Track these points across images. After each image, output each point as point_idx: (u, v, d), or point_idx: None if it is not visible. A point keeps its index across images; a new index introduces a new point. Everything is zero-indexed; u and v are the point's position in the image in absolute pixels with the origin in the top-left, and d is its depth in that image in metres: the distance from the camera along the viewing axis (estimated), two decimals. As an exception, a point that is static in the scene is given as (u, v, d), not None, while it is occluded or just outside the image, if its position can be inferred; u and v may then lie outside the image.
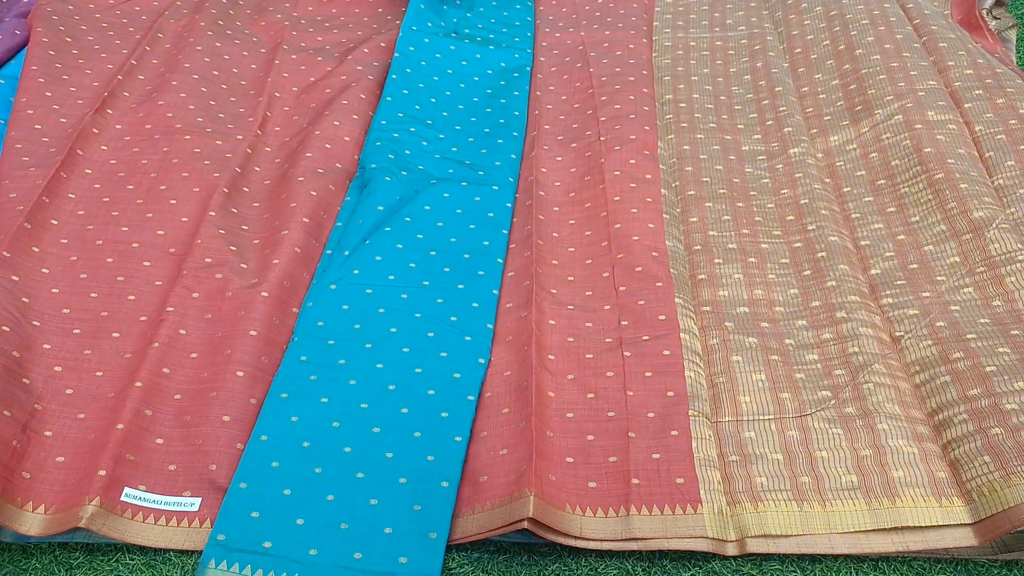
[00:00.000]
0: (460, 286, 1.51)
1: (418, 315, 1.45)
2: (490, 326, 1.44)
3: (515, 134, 1.85)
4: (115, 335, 1.39)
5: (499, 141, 1.83)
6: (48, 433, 1.26)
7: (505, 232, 1.62)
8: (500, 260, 1.56)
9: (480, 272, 1.53)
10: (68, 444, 1.26)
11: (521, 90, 1.98)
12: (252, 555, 1.13)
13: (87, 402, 1.31)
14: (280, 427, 1.27)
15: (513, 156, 1.79)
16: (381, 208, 1.61)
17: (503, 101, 1.95)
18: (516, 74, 2.03)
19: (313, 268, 1.54)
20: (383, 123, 1.81)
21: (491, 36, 2.14)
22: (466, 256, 1.57)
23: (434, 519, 1.17)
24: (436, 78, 1.98)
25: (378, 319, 1.45)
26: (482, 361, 1.38)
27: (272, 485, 1.21)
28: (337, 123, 1.81)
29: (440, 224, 1.63)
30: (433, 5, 2.17)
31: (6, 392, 1.25)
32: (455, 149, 1.81)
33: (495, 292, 1.51)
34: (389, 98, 1.88)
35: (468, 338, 1.42)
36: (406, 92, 1.91)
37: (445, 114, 1.90)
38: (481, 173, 1.74)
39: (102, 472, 1.20)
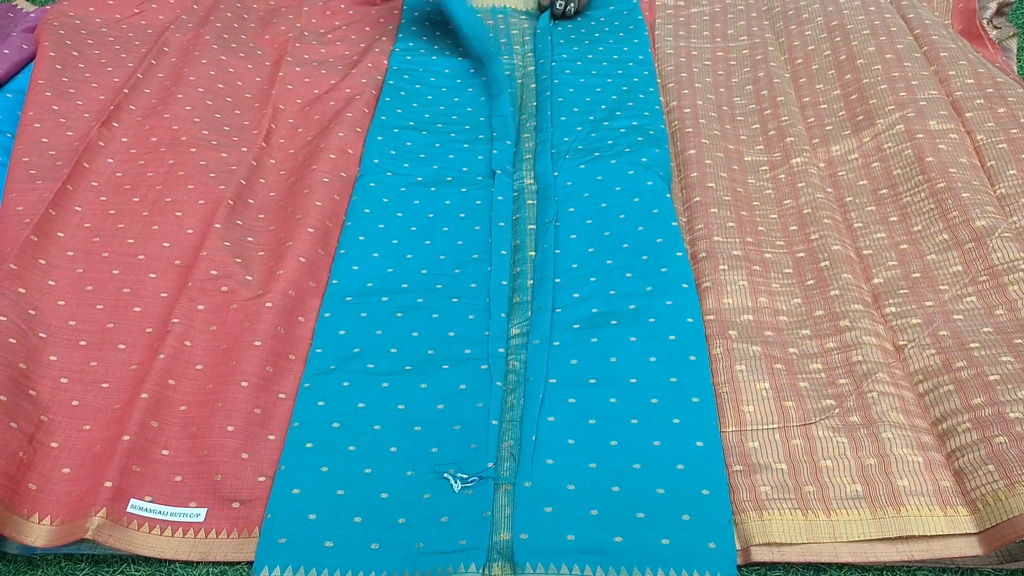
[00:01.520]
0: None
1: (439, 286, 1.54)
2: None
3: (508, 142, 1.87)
4: (121, 347, 1.40)
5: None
6: (54, 444, 1.27)
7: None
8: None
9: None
10: (74, 455, 1.26)
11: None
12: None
13: (93, 413, 1.32)
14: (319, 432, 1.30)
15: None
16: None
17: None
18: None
19: (318, 277, 1.55)
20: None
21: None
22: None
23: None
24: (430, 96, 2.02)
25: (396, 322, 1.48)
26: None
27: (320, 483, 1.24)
28: (342, 135, 1.83)
29: (445, 229, 1.65)
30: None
31: (13, 404, 1.26)
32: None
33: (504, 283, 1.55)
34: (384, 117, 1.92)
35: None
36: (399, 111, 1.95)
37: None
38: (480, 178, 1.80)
39: (108, 484, 1.21)
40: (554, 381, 1.35)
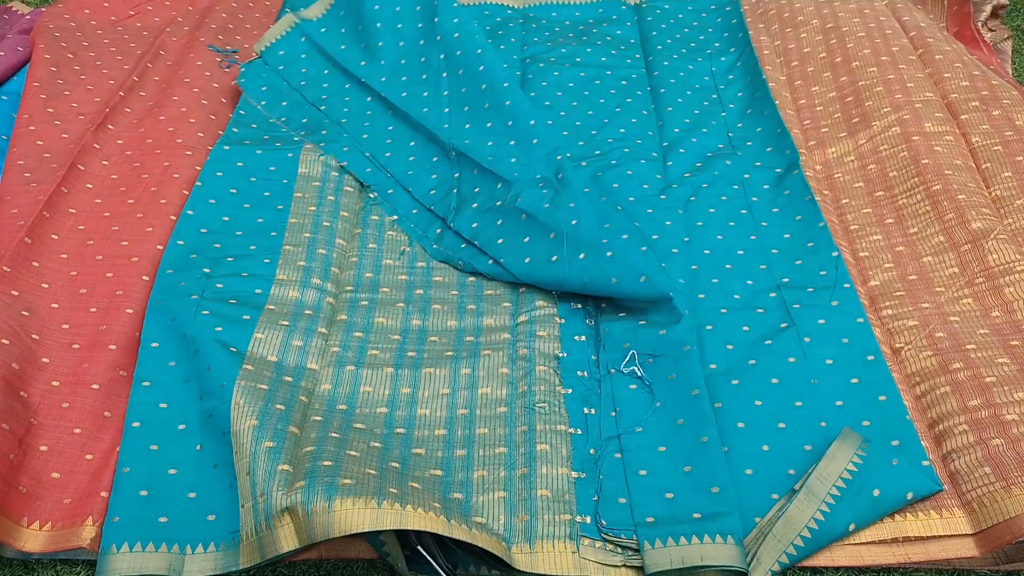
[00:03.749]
0: None
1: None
2: None
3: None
4: (112, 347, 1.39)
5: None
6: (43, 448, 1.26)
7: None
8: None
9: None
10: (63, 460, 1.26)
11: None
12: None
13: (83, 416, 1.31)
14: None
15: None
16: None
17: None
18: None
19: None
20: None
21: None
22: None
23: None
24: None
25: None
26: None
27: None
28: None
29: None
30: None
31: (5, 405, 1.25)
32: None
33: None
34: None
35: None
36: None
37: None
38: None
39: (104, 494, 1.21)
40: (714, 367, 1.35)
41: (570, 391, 1.33)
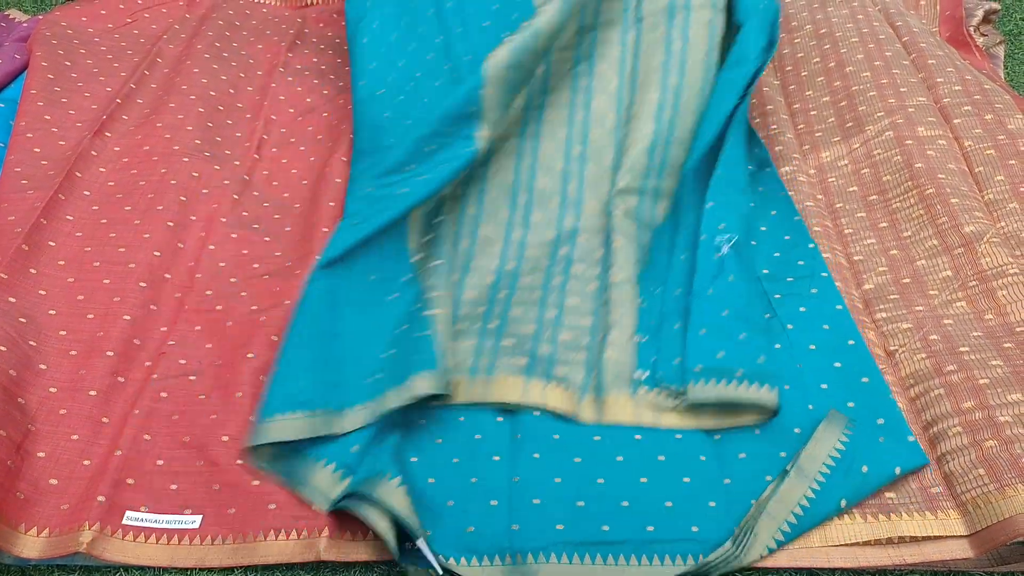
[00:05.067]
0: None
1: None
2: None
3: None
4: (109, 353, 1.39)
5: None
6: (41, 454, 1.26)
7: None
8: None
9: None
10: (61, 465, 1.26)
11: None
12: None
13: (81, 422, 1.31)
14: None
15: None
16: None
17: None
18: None
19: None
20: None
21: None
22: None
23: None
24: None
25: None
26: None
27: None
28: (329, 145, 1.83)
29: None
30: None
31: (3, 411, 1.25)
32: None
33: None
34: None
35: None
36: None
37: None
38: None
39: (101, 498, 1.21)
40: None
41: (644, 268, 1.50)
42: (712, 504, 1.19)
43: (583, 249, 1.56)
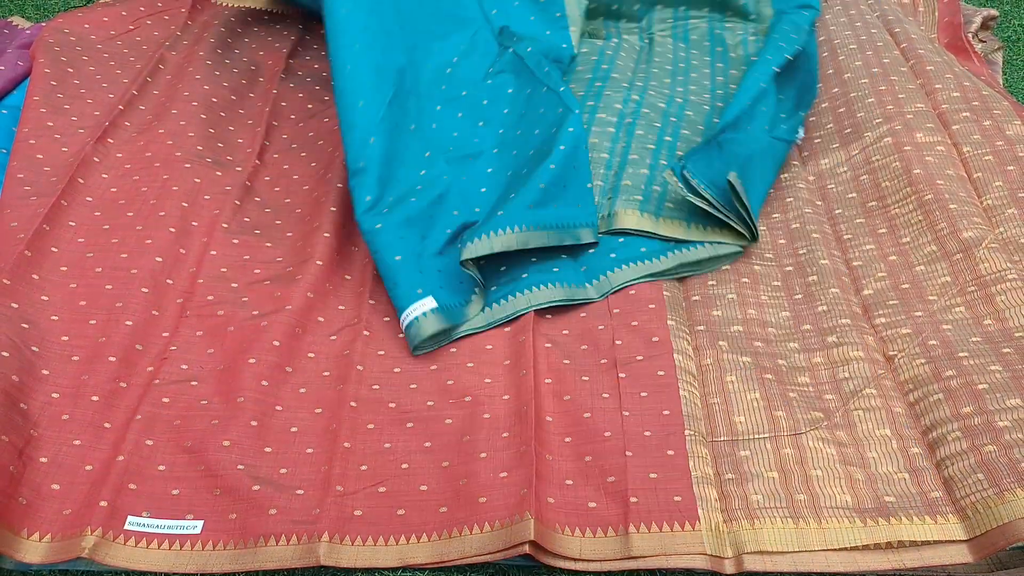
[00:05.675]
0: None
1: None
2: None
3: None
4: (111, 359, 1.40)
5: None
6: (43, 459, 1.26)
7: None
8: None
9: None
10: (63, 471, 1.26)
11: None
12: None
13: (83, 428, 1.31)
14: None
15: None
16: None
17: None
18: None
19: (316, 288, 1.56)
20: None
21: None
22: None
23: None
24: None
25: None
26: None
27: None
28: (330, 150, 1.84)
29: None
30: None
31: (5, 417, 1.26)
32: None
33: None
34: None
35: None
36: None
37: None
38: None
39: (103, 503, 1.21)
40: None
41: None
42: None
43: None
